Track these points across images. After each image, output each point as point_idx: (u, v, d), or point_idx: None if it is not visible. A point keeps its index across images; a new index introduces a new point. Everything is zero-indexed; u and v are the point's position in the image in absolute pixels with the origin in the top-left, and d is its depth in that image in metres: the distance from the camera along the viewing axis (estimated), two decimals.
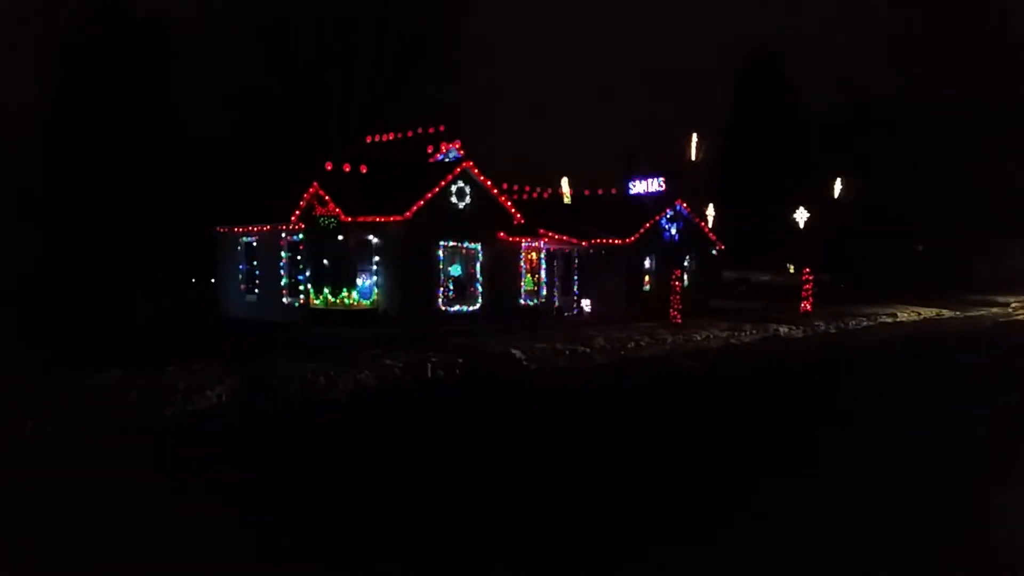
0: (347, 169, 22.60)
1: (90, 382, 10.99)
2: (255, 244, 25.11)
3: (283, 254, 23.95)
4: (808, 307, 25.86)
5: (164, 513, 6.61)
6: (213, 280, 27.63)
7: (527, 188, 29.13)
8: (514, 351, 15.32)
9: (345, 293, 21.82)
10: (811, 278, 26.55)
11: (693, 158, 22.18)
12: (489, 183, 23.29)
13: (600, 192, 30.10)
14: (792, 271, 36.84)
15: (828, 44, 48.47)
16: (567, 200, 29.87)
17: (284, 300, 23.72)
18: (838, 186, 27.87)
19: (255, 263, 25.18)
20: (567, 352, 16.11)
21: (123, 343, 18.00)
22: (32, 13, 33.50)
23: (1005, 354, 18.80)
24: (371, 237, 21.86)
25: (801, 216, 26.62)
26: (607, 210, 28.54)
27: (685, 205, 28.49)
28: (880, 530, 6.21)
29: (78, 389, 10.51)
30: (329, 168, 22.50)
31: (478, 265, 23.40)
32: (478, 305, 23.05)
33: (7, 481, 7.65)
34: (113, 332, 20.63)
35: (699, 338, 19.44)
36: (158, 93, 33.92)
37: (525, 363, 14.91)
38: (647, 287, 28.70)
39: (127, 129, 31.92)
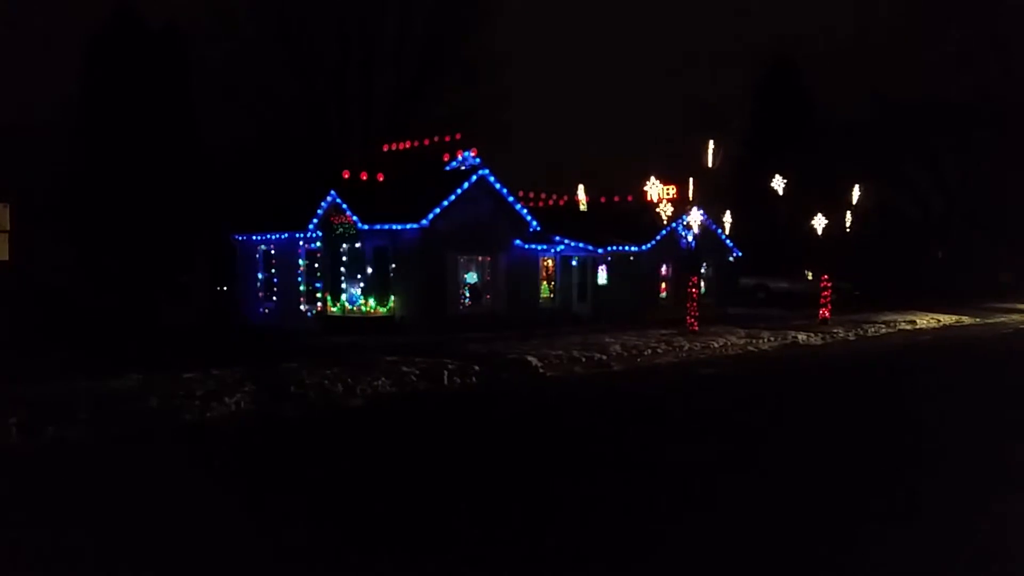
0: (364, 177, 22.75)
1: (111, 387, 11.11)
2: (273, 251, 25.28)
3: (301, 261, 24.09)
4: (827, 314, 25.68)
5: (178, 516, 6.67)
6: (232, 287, 27.83)
7: (543, 195, 29.17)
8: (530, 358, 15.32)
9: (362, 300, 21.92)
10: (830, 285, 26.37)
11: (710, 164, 22.08)
12: (505, 190, 23.34)
13: (616, 199, 30.06)
14: (811, 278, 36.56)
15: (847, 48, 48.06)
16: (583, 207, 29.86)
17: (301, 307, 23.85)
18: (856, 192, 27.69)
19: (273, 270, 25.34)
20: (583, 359, 16.09)
21: (143, 349, 18.16)
22: (55, 25, 34.01)
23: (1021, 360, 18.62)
24: (388, 244, 21.96)
25: (819, 223, 26.47)
26: (623, 217, 28.50)
27: (702, 211, 28.36)
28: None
29: (99, 394, 10.61)
30: (346, 176, 22.66)
31: (495, 272, 23.44)
32: (494, 312, 23.07)
33: (23, 482, 7.75)
34: (134, 338, 20.82)
35: (716, 345, 19.35)
36: (178, 100, 34.23)
37: (542, 370, 14.91)
38: (664, 294, 28.63)
39: (149, 136, 32.25)
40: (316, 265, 23.49)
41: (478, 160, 23.15)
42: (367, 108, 37.53)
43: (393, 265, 21.96)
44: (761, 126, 50.19)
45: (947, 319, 29.04)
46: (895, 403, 12.57)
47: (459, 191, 21.96)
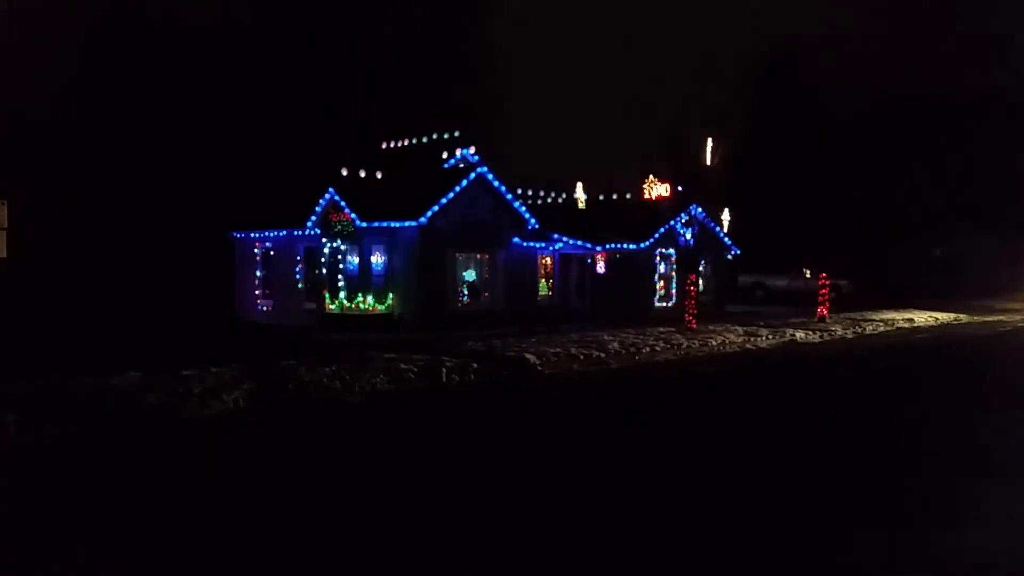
0: (363, 175, 22.76)
1: (110, 384, 11.14)
2: (271, 249, 25.30)
3: (299, 259, 24.11)
4: (825, 312, 25.72)
5: (172, 513, 6.70)
6: (230, 285, 27.82)
7: (542, 193, 29.18)
8: (529, 356, 15.35)
9: (360, 298, 21.94)
10: (828, 283, 26.39)
11: (709, 162, 22.13)
12: (504, 188, 23.36)
13: (615, 197, 30.07)
14: (809, 276, 36.65)
15: (846, 46, 48.21)
16: (581, 205, 29.86)
17: (300, 304, 23.86)
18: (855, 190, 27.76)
19: (271, 268, 25.36)
20: (582, 357, 16.12)
21: (143, 346, 18.18)
22: (53, 21, 33.97)
23: (1020, 360, 18.63)
24: (386, 242, 21.98)
25: (818, 221, 26.53)
26: (622, 215, 28.51)
27: (700, 209, 28.42)
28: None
29: (98, 391, 10.64)
30: (345, 174, 22.68)
31: (493, 270, 23.45)
32: (493, 310, 23.09)
33: (21, 478, 7.78)
34: (133, 335, 20.84)
35: (715, 343, 19.39)
36: (177, 97, 34.19)
37: (540, 368, 14.94)
38: (662, 292, 28.66)
39: (148, 133, 32.22)
40: (314, 263, 23.50)
41: (477, 158, 23.16)
42: (366, 106, 37.52)
43: (392, 263, 21.98)
44: (760, 124, 50.23)
45: (945, 317, 29.08)
46: (890, 402, 12.60)
47: (458, 189, 21.98)
